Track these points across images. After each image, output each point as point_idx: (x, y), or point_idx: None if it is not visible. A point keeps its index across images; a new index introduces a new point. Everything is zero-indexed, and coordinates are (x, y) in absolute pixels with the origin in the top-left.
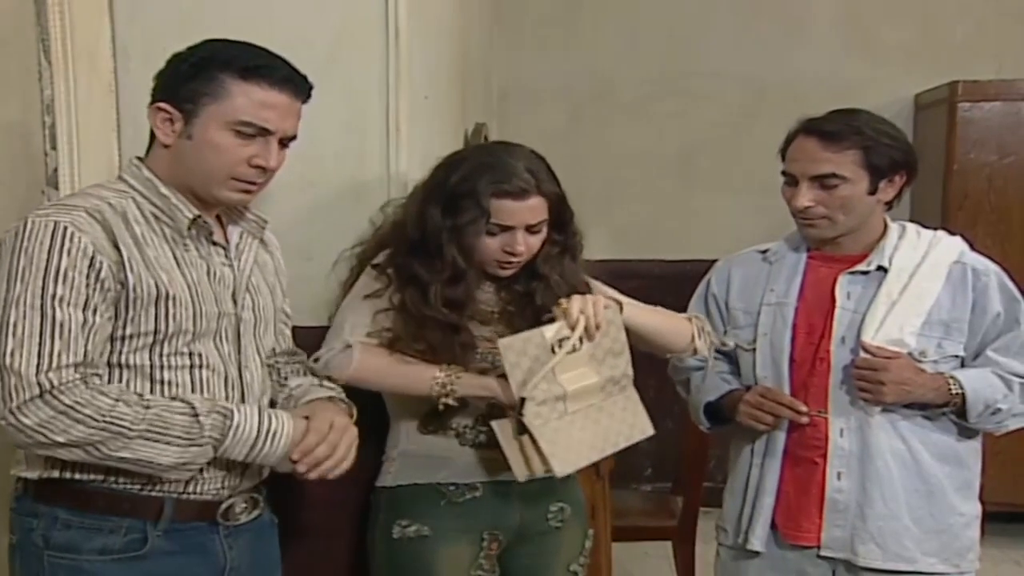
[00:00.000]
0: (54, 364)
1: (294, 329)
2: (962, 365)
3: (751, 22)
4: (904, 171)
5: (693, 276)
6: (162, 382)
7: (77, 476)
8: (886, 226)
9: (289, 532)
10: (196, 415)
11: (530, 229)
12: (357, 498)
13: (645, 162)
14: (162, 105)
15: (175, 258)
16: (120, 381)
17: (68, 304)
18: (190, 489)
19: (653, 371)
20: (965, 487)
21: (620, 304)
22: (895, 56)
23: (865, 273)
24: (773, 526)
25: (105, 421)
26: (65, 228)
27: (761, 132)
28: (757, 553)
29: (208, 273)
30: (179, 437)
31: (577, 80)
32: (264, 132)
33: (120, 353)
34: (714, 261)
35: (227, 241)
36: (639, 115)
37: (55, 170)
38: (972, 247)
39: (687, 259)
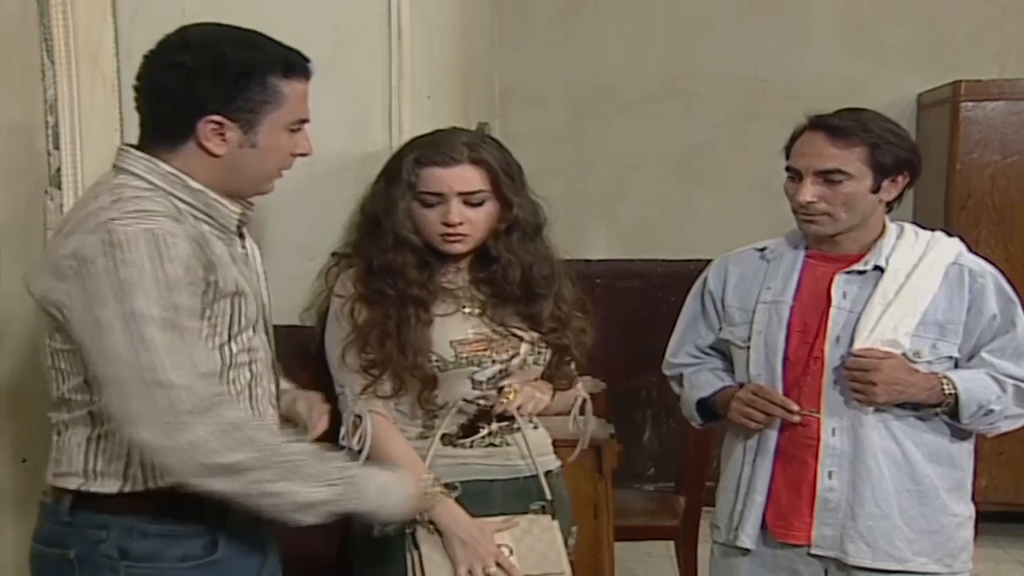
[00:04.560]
0: (203, 372)
1: (295, 328)
2: (956, 366)
3: (753, 22)
4: (907, 171)
5: (694, 275)
6: (230, 380)
7: (156, 487)
8: (884, 226)
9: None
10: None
11: (467, 201)
12: None
13: (647, 162)
14: (215, 118)
15: (229, 254)
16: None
17: (187, 313)
18: None
19: (655, 370)
20: (958, 488)
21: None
22: (897, 56)
23: (861, 273)
24: (764, 524)
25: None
26: (159, 236)
27: (762, 132)
28: (748, 551)
29: (246, 265)
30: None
31: (579, 80)
32: (305, 123)
33: None
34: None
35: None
36: (641, 115)
37: (58, 170)
38: (971, 249)
39: (688, 259)
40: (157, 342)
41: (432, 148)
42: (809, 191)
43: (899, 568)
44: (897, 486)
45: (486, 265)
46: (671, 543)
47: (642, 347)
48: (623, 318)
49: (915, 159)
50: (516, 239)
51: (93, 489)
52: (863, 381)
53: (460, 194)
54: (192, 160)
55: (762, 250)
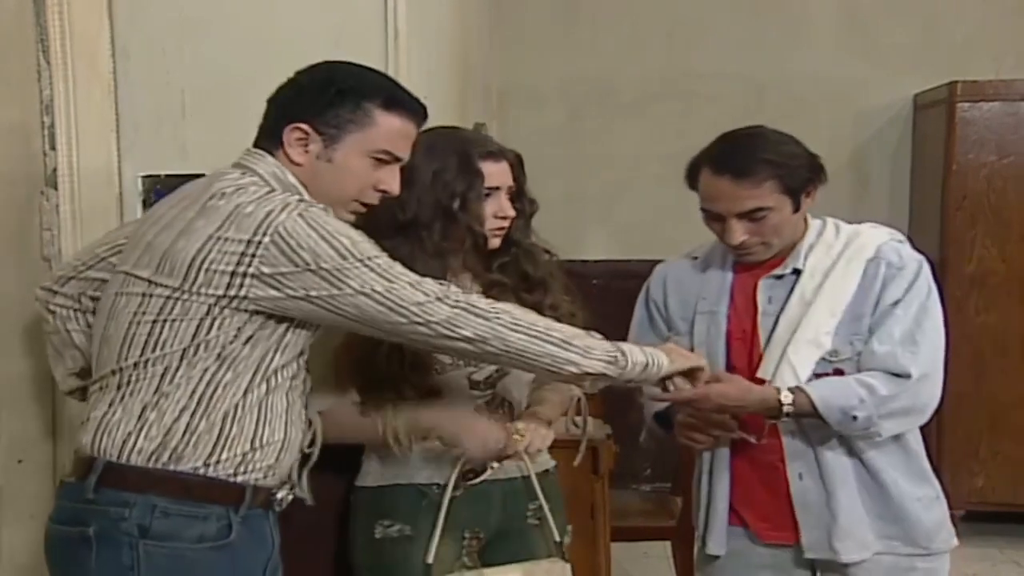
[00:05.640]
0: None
1: None
2: None
3: (751, 22)
4: (817, 179)
5: None
6: (278, 380)
7: (187, 453)
8: (806, 226)
9: None
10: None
11: (507, 192)
12: (336, 497)
13: (644, 162)
14: (302, 126)
15: None
16: (254, 385)
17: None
18: (270, 475)
19: None
20: (916, 473)
21: (549, 421)
22: (894, 56)
23: (781, 277)
24: (747, 525)
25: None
26: (327, 211)
27: None
28: (716, 557)
29: None
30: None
31: (577, 80)
32: (396, 160)
33: (274, 357)
34: None
35: None
36: (639, 115)
37: (54, 170)
38: (913, 243)
39: None
40: (395, 266)
41: (480, 144)
42: (738, 232)
43: (874, 552)
44: (858, 479)
45: (486, 257)
46: (667, 543)
47: None
48: (620, 318)
49: (819, 169)
50: (530, 227)
51: (139, 445)
52: (697, 410)
53: (508, 188)
54: (283, 163)
55: (695, 259)
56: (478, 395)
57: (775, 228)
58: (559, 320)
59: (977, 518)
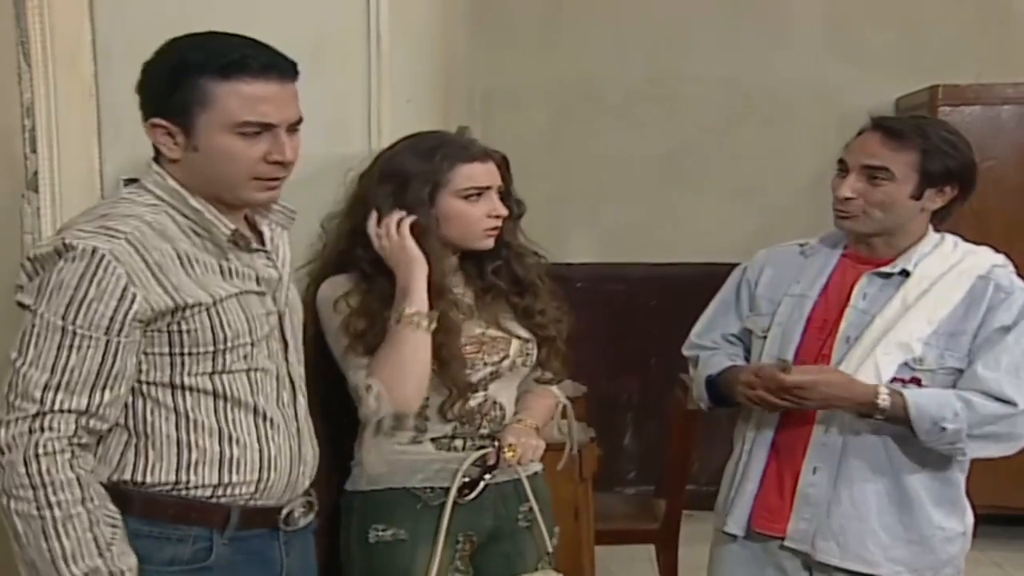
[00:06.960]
0: (56, 404)
1: None
2: None
3: (735, 26)
4: (956, 184)
5: (678, 278)
6: (223, 395)
7: (148, 480)
8: (925, 234)
9: None
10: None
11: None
12: (326, 501)
13: (630, 165)
14: (157, 121)
15: (222, 271)
16: (184, 402)
17: (89, 341)
18: (257, 496)
19: (638, 374)
20: (950, 503)
21: (537, 428)
22: (877, 60)
23: (887, 276)
24: (752, 514)
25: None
26: (102, 257)
27: (745, 135)
28: (735, 537)
29: (257, 281)
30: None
31: (562, 83)
32: (268, 127)
33: (181, 374)
34: (698, 264)
35: (266, 243)
36: (624, 118)
37: (35, 173)
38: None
39: (672, 262)
40: (41, 340)
41: (462, 146)
42: (849, 186)
43: (869, 571)
44: (878, 490)
45: (479, 261)
46: (651, 546)
47: (623, 350)
48: (604, 321)
49: (968, 173)
50: (519, 229)
51: (103, 466)
52: (798, 397)
53: (498, 188)
54: (167, 167)
55: (803, 245)
56: (471, 397)
57: (884, 199)
58: (544, 326)
59: None
